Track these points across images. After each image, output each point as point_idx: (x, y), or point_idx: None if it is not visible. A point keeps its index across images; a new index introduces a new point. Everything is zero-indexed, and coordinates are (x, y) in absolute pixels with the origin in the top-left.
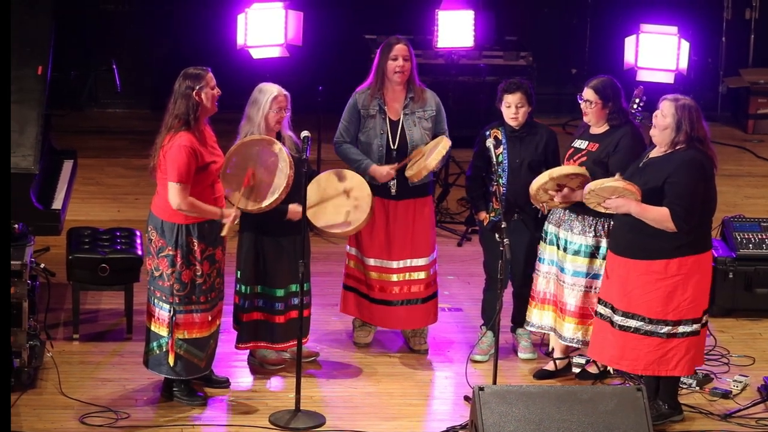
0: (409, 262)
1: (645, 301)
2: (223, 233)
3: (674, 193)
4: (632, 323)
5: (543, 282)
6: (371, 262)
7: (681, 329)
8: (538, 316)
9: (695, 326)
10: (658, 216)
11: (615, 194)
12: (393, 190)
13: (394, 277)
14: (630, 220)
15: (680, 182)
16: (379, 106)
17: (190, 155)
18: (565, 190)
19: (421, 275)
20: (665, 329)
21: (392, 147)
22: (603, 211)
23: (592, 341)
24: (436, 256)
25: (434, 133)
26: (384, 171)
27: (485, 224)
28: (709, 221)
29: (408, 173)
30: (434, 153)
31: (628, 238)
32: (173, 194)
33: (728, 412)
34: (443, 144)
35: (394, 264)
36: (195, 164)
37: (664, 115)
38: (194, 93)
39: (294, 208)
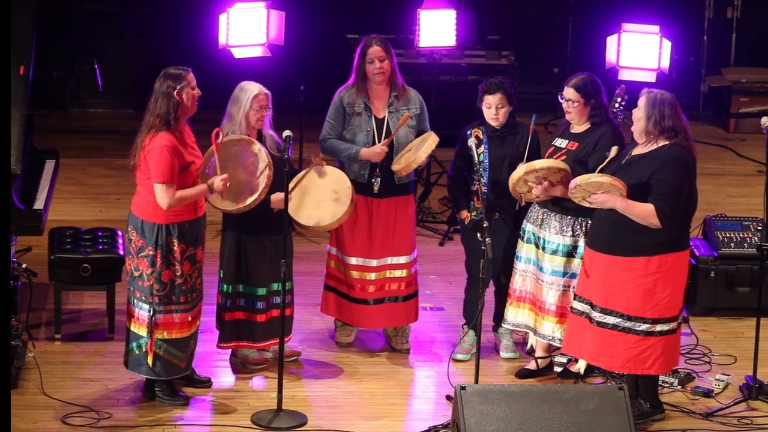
0: (389, 260)
1: (624, 298)
2: (218, 203)
3: (660, 189)
4: (611, 320)
5: (520, 280)
6: (353, 260)
7: (659, 328)
8: (514, 314)
9: (672, 325)
10: (643, 212)
11: (601, 189)
12: (376, 188)
13: (373, 276)
14: (611, 217)
15: (666, 179)
16: (364, 104)
17: (172, 154)
18: (545, 183)
19: (402, 273)
20: (643, 327)
21: (377, 144)
22: (587, 206)
23: (568, 337)
24: (416, 255)
25: (418, 131)
26: (377, 149)
27: (467, 223)
28: (689, 219)
29: (395, 167)
30: (423, 147)
31: (609, 235)
32: (161, 195)
33: (710, 411)
34: (432, 139)
35: (374, 262)
36: (178, 162)
37: (638, 107)
38: (175, 93)
39: (277, 197)
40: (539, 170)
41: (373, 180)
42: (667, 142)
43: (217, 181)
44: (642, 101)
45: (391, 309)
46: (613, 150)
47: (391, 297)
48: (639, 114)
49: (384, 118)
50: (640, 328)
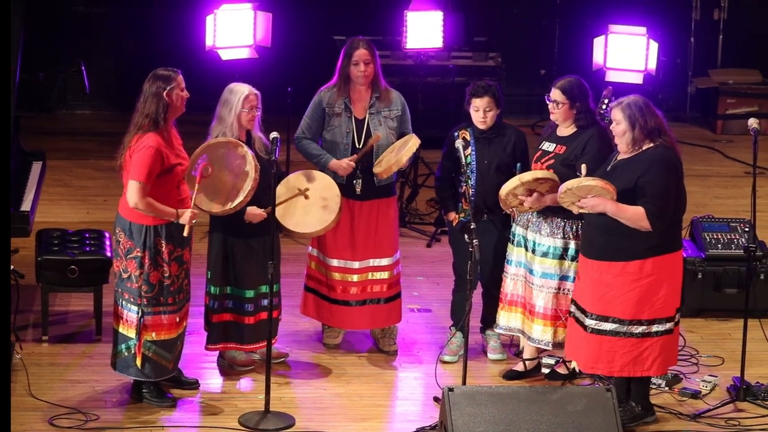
0: (371, 262)
1: (620, 303)
2: (185, 233)
3: (648, 192)
4: (607, 326)
5: (511, 284)
6: (334, 262)
7: (655, 328)
8: (506, 318)
9: (668, 325)
10: (634, 215)
11: (591, 193)
12: (358, 190)
13: (355, 278)
14: (601, 222)
15: (654, 181)
16: (345, 105)
17: (155, 157)
18: (535, 194)
19: (384, 275)
20: (640, 329)
21: (357, 146)
22: (577, 211)
23: (568, 340)
24: (399, 257)
25: (399, 133)
26: (344, 164)
27: (454, 225)
28: (680, 220)
29: (376, 170)
30: (404, 150)
31: (600, 241)
32: (132, 192)
33: (698, 413)
34: (413, 141)
35: (356, 264)
36: (159, 167)
37: (617, 121)
38: (165, 93)
39: (252, 211)
40: (527, 182)
41: (354, 181)
42: (651, 145)
43: (187, 214)
44: (618, 115)
45: (373, 310)
46: (583, 168)
47: (373, 299)
48: (622, 127)
49: (364, 119)
50: (636, 331)
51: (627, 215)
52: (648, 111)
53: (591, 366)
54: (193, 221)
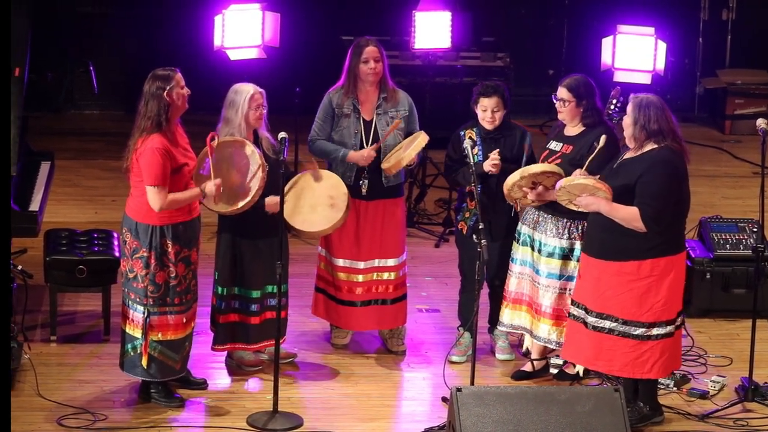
0: (376, 263)
1: (618, 302)
2: (212, 205)
3: (645, 193)
4: (606, 324)
5: (515, 282)
6: (340, 262)
7: (655, 331)
8: (510, 317)
9: (669, 328)
10: (628, 215)
11: (585, 192)
12: (364, 190)
13: (360, 278)
14: (603, 221)
15: (652, 182)
16: (353, 106)
17: (163, 156)
18: (539, 188)
19: (390, 276)
20: (639, 331)
21: (365, 147)
22: (574, 208)
23: (566, 342)
24: (406, 258)
25: (407, 133)
26: (364, 153)
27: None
28: (682, 222)
29: (384, 165)
30: (413, 146)
31: (600, 239)
32: (153, 198)
33: (706, 413)
34: (422, 138)
35: (362, 264)
36: (170, 165)
37: (628, 113)
38: (165, 93)
39: (271, 200)
40: (533, 175)
41: (360, 182)
42: (655, 146)
43: (210, 185)
44: (629, 107)
45: (379, 311)
46: (602, 139)
47: (378, 299)
48: (627, 121)
49: (372, 120)
50: (636, 332)
51: (621, 215)
52: (658, 113)
53: (592, 363)
54: (220, 190)
